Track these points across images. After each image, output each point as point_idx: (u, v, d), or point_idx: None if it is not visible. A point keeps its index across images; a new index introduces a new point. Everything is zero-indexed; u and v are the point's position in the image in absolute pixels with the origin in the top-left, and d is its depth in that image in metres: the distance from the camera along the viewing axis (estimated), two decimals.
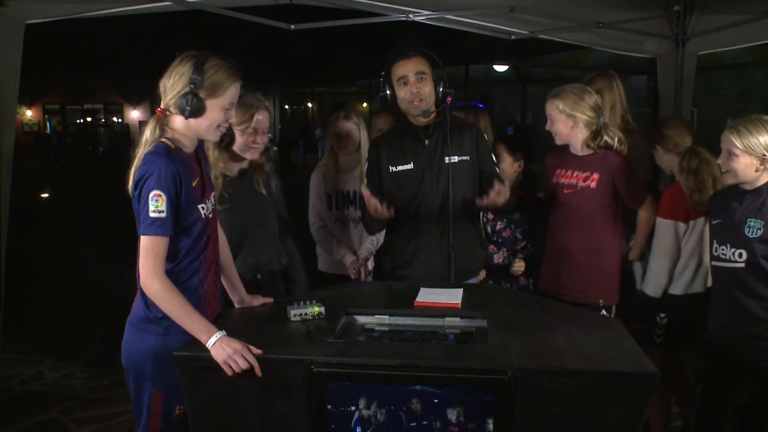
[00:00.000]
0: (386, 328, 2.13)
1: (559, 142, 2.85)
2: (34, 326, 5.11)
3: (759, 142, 2.27)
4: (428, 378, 1.70)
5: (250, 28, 4.54)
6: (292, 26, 3.65)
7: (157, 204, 1.81)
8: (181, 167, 1.88)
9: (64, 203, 13.38)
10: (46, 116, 24.46)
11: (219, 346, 1.76)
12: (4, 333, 3.49)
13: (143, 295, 1.91)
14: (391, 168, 2.74)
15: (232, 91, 1.96)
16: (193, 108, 1.89)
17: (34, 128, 23.16)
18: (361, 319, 2.17)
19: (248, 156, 2.59)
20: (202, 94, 1.90)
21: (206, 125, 1.95)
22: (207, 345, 1.79)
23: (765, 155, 2.28)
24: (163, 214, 1.81)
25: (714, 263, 2.48)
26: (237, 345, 1.76)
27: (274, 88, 25.52)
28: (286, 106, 30.81)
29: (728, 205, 2.43)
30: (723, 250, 2.42)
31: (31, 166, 17.15)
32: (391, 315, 2.17)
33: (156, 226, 1.81)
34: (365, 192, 2.57)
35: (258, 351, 1.77)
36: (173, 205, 1.84)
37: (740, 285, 2.37)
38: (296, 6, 3.49)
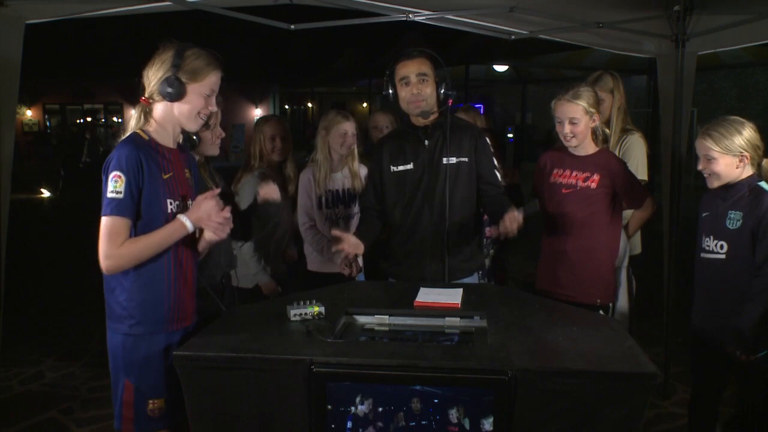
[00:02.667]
0: (386, 328, 2.14)
1: (576, 143, 2.76)
2: (34, 326, 5.11)
3: (734, 142, 2.39)
4: (428, 378, 1.70)
5: (250, 28, 4.53)
6: (292, 26, 3.64)
7: (115, 185, 1.84)
8: (148, 155, 1.91)
9: (64, 203, 13.39)
10: (46, 116, 24.42)
11: (197, 220, 1.94)
12: (4, 333, 3.48)
13: (111, 290, 1.96)
14: (392, 168, 2.77)
15: (213, 78, 2.01)
16: (175, 91, 1.93)
17: (34, 128, 23.11)
18: (361, 319, 2.17)
19: (212, 152, 2.60)
20: (183, 79, 1.94)
21: (188, 111, 1.99)
22: (189, 229, 1.92)
23: (742, 152, 2.39)
24: (121, 195, 1.84)
25: (700, 254, 2.55)
26: (207, 209, 1.94)
27: (274, 88, 25.53)
28: (286, 106, 30.80)
29: (714, 200, 2.53)
30: (707, 242, 2.50)
31: (31, 166, 17.14)
32: (390, 315, 2.17)
33: (113, 206, 1.84)
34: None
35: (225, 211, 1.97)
36: (132, 189, 1.86)
37: (721, 277, 2.45)
38: (296, 6, 3.49)
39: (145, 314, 1.94)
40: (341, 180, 3.31)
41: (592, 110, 2.72)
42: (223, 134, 2.57)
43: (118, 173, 1.84)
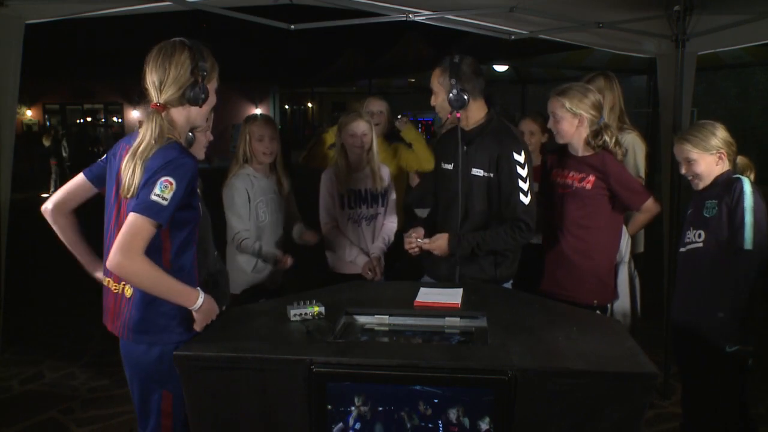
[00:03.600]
0: (386, 328, 2.14)
1: (561, 140, 2.83)
2: (34, 326, 5.11)
3: (709, 141, 2.52)
4: (428, 378, 1.70)
5: (250, 28, 4.53)
6: (292, 26, 3.64)
7: (164, 190, 1.73)
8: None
9: None
10: (46, 116, 24.41)
11: (198, 314, 1.90)
12: (4, 333, 3.49)
13: (149, 302, 1.87)
14: (442, 164, 2.85)
15: (217, 71, 1.98)
16: (204, 95, 1.90)
17: (34, 128, 23.11)
18: (361, 319, 2.17)
19: (200, 156, 2.58)
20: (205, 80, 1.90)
21: (205, 111, 1.98)
22: (195, 307, 1.87)
23: (719, 150, 2.52)
24: (165, 202, 1.74)
25: (680, 248, 2.64)
26: (215, 309, 1.97)
27: (274, 88, 25.52)
28: (286, 106, 30.79)
29: (697, 195, 2.62)
30: (688, 235, 2.60)
31: (30, 166, 17.12)
32: (391, 315, 2.17)
33: (154, 210, 1.73)
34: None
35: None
36: (178, 200, 1.77)
37: (698, 265, 2.54)
38: (296, 6, 3.49)
39: (190, 319, 1.92)
40: (363, 180, 3.27)
41: (579, 111, 2.72)
42: (212, 138, 2.56)
43: (171, 180, 1.74)
